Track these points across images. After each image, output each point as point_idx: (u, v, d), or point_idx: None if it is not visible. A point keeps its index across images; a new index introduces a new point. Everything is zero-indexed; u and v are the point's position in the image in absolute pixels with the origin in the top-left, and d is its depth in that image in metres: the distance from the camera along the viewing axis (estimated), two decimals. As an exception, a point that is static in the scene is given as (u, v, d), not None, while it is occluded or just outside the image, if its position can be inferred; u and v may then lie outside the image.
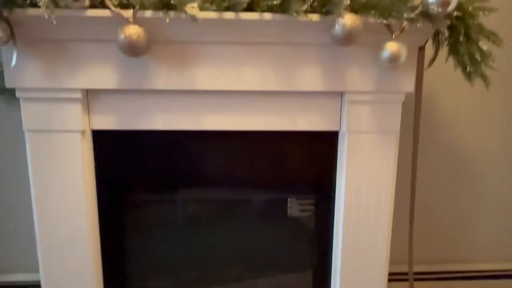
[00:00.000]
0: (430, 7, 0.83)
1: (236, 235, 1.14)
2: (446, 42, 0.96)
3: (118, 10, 0.83)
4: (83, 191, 0.98)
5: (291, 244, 1.15)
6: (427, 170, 1.37)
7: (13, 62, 0.86)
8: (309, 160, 1.06)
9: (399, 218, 1.16)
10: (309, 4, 0.88)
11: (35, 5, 0.82)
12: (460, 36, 0.87)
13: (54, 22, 0.78)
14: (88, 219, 1.00)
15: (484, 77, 0.94)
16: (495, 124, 1.36)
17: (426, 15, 0.85)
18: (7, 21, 0.83)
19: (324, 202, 1.09)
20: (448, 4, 0.83)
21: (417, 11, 0.84)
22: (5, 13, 0.80)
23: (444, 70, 1.00)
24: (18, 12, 0.82)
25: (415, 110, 1.09)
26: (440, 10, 0.83)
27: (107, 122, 0.98)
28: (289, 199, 1.09)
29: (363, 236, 1.06)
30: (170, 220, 1.12)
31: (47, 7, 0.77)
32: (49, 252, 1.00)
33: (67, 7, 0.82)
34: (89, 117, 0.97)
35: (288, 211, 1.10)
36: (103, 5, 0.84)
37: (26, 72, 0.91)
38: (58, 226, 0.99)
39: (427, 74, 1.05)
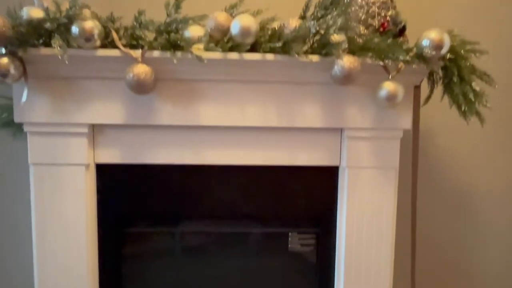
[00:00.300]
0: (424, 50, 0.88)
1: (236, 269, 1.13)
2: (441, 81, 1.01)
3: (127, 50, 0.87)
4: (84, 223, 0.98)
5: (292, 279, 1.14)
6: (427, 204, 1.37)
7: (24, 98, 0.89)
8: (310, 195, 1.07)
9: (401, 252, 1.16)
10: (309, 45, 0.93)
11: (48, 44, 0.86)
12: (454, 77, 0.91)
13: (67, 62, 0.82)
14: (88, 251, 0.99)
15: (478, 115, 0.97)
16: (493, 158, 1.38)
17: (420, 57, 0.89)
18: (21, 60, 0.87)
19: (325, 236, 1.09)
20: (441, 47, 0.87)
21: (412, 54, 0.89)
22: (20, 52, 0.84)
23: (441, 106, 1.03)
24: (31, 51, 0.86)
25: (413, 146, 1.11)
26: (433, 52, 0.87)
27: (111, 155, 1.00)
28: (290, 234, 1.09)
29: (365, 271, 1.05)
30: (171, 253, 1.11)
31: (60, 47, 0.81)
32: (47, 283, 0.99)
33: (79, 47, 0.87)
34: (93, 151, 0.99)
35: (289, 245, 1.10)
36: (113, 45, 0.88)
37: (35, 107, 0.93)
38: (57, 258, 0.98)
39: (425, 111, 1.08)
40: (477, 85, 0.92)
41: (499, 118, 1.33)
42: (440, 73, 0.99)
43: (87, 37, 0.85)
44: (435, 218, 1.39)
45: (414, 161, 1.12)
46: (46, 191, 0.97)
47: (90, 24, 0.84)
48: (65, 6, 0.88)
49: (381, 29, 0.99)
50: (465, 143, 1.34)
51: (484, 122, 0.98)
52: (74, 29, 0.84)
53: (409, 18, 1.00)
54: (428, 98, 1.05)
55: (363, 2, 1.01)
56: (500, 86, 1.01)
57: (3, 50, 0.85)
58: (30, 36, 0.85)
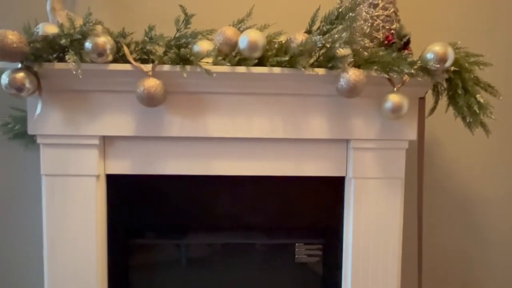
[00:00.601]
0: (428, 63, 0.89)
1: (243, 280, 1.13)
2: (445, 93, 1.02)
3: (138, 64, 0.90)
4: (94, 234, 1.00)
5: (299, 290, 1.14)
6: (433, 214, 1.37)
7: (38, 111, 0.92)
8: (316, 206, 1.08)
9: (407, 262, 1.15)
10: (315, 58, 0.95)
11: (61, 59, 0.89)
12: (458, 89, 0.92)
13: (80, 76, 0.84)
14: (97, 261, 1.01)
15: (483, 126, 0.98)
16: (499, 167, 1.38)
17: (425, 70, 0.91)
18: (35, 74, 0.89)
19: (332, 247, 1.09)
20: (445, 60, 0.89)
21: (416, 66, 0.90)
22: (35, 67, 0.87)
23: (446, 117, 1.04)
24: (46, 66, 0.89)
25: (419, 156, 1.12)
26: (438, 65, 0.89)
27: (121, 166, 1.01)
28: (296, 244, 1.10)
29: (372, 281, 1.05)
30: (178, 264, 1.12)
31: (74, 62, 0.84)
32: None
33: (92, 61, 0.89)
34: (104, 162, 1.01)
35: (296, 256, 1.10)
36: (124, 60, 0.91)
37: (48, 120, 0.96)
38: (67, 267, 1.00)
39: (430, 121, 1.09)
40: (481, 97, 0.93)
41: (504, 128, 1.33)
42: (445, 84, 1.00)
43: (100, 52, 0.87)
44: (441, 227, 1.39)
45: (420, 171, 1.13)
46: (58, 202, 0.99)
47: (103, 40, 0.87)
48: (78, 21, 0.91)
49: (386, 42, 1.01)
50: (470, 152, 1.34)
51: (490, 133, 0.99)
52: (88, 44, 0.87)
53: (413, 31, 1.02)
54: (433, 109, 1.06)
55: (368, 16, 1.02)
56: (506, 96, 1.02)
57: (19, 65, 0.88)
58: (45, 52, 0.88)
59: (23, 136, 1.13)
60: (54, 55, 0.90)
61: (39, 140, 0.98)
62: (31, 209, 1.22)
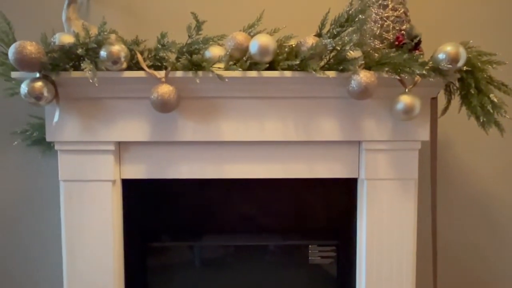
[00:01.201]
0: (440, 63, 0.89)
1: (257, 281, 1.14)
2: (458, 92, 1.01)
3: (152, 71, 0.92)
4: (111, 237, 1.02)
5: (313, 291, 1.14)
6: (447, 214, 1.36)
7: (56, 119, 0.94)
8: (329, 207, 1.09)
9: (422, 263, 1.15)
10: (326, 61, 0.95)
11: (77, 67, 0.92)
12: (471, 89, 0.92)
13: (96, 84, 0.87)
14: (114, 263, 1.03)
15: (498, 125, 0.97)
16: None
17: (437, 70, 0.91)
18: (53, 83, 0.92)
19: (345, 248, 1.10)
20: (457, 60, 0.89)
21: (428, 67, 0.90)
22: (53, 76, 0.89)
23: (459, 116, 1.03)
24: (63, 75, 0.91)
25: (431, 156, 1.11)
26: (450, 66, 0.88)
27: (137, 171, 1.03)
28: (310, 246, 1.10)
29: (387, 283, 1.05)
30: (193, 265, 1.14)
31: (91, 71, 0.86)
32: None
33: (107, 69, 0.91)
34: (120, 167, 1.03)
35: (310, 257, 1.10)
36: (138, 67, 0.93)
37: (65, 127, 0.98)
38: (85, 269, 1.02)
39: (443, 121, 1.09)
40: (495, 96, 0.92)
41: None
42: (457, 84, 1.00)
43: (115, 60, 0.89)
44: (456, 227, 1.38)
45: (433, 171, 1.12)
46: (75, 206, 1.01)
47: (117, 48, 0.89)
48: (93, 30, 0.94)
49: (397, 43, 1.00)
50: (484, 152, 1.33)
51: (504, 132, 0.98)
52: (103, 53, 0.89)
53: (424, 31, 1.01)
54: (446, 109, 1.06)
55: (378, 17, 1.03)
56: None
57: (37, 74, 0.90)
58: (61, 61, 0.90)
59: (40, 142, 1.17)
60: (70, 64, 0.93)
61: (57, 147, 1.00)
62: (48, 214, 1.25)
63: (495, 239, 1.38)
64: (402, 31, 1.01)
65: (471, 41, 0.98)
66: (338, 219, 1.09)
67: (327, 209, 1.10)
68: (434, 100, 1.04)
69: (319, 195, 1.08)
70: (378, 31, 1.02)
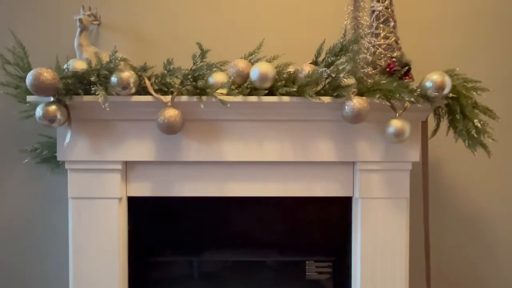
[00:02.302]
0: (427, 91, 0.96)
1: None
2: (446, 116, 1.07)
3: (158, 96, 0.98)
4: (116, 252, 1.06)
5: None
6: (439, 231, 1.39)
7: (67, 140, 1.00)
8: (326, 224, 1.13)
9: (416, 280, 1.18)
10: (321, 86, 1.01)
11: (87, 91, 0.97)
12: (457, 114, 0.98)
13: (108, 109, 0.92)
14: (119, 278, 1.06)
15: (484, 147, 1.03)
16: (503, 185, 1.40)
17: (424, 97, 0.97)
18: (66, 106, 0.98)
19: (342, 264, 1.13)
20: (443, 88, 0.95)
21: (416, 94, 0.96)
22: (67, 101, 0.95)
23: (449, 137, 1.07)
24: (76, 99, 0.97)
25: (423, 176, 1.16)
26: (436, 93, 0.95)
27: (142, 189, 1.08)
28: (307, 262, 1.14)
29: (381, 298, 1.09)
30: (194, 279, 1.17)
31: (103, 96, 0.91)
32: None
33: (117, 94, 0.97)
34: (126, 185, 1.08)
35: (307, 273, 1.14)
36: (146, 91, 0.99)
37: (75, 147, 1.04)
38: (92, 282, 1.06)
39: (433, 141, 1.14)
40: (479, 121, 0.98)
41: (507, 145, 1.36)
42: (445, 108, 1.06)
43: (124, 85, 0.95)
44: (448, 244, 1.40)
45: (425, 190, 1.17)
46: (83, 222, 1.06)
47: (127, 74, 0.96)
48: (104, 56, 1.00)
49: (388, 69, 1.07)
50: (474, 171, 1.37)
51: (491, 154, 1.03)
52: (113, 79, 0.95)
53: (414, 58, 1.07)
54: (435, 131, 1.11)
55: (370, 45, 1.09)
56: (508, 116, 1.05)
57: (51, 99, 0.96)
58: (75, 86, 0.96)
59: (49, 160, 1.21)
60: (82, 88, 0.98)
61: (67, 166, 1.05)
62: (55, 229, 1.28)
63: (486, 255, 1.41)
64: (393, 58, 1.08)
65: (457, 68, 1.04)
66: (334, 235, 1.14)
67: (323, 226, 1.14)
68: (424, 123, 1.10)
69: (315, 213, 1.13)
70: (371, 58, 1.09)
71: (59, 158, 1.04)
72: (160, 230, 1.13)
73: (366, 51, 1.10)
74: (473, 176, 1.39)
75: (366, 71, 1.08)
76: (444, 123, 1.09)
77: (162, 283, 1.16)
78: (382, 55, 1.09)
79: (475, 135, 0.95)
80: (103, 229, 1.06)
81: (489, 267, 1.42)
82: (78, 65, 0.99)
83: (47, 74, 0.91)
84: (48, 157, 1.21)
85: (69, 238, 1.06)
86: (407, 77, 1.06)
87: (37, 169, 1.26)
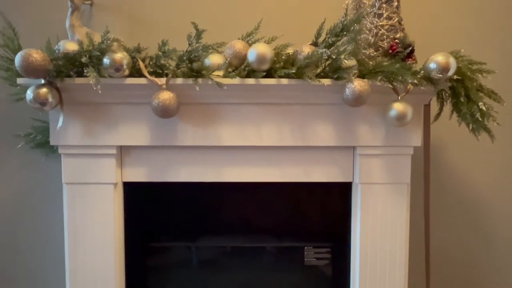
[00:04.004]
0: (431, 72, 0.92)
1: (253, 282, 1.16)
2: (450, 99, 1.04)
3: (153, 78, 0.95)
4: (112, 238, 1.05)
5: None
6: (440, 218, 1.38)
7: (60, 124, 0.97)
8: (325, 210, 1.11)
9: (415, 265, 1.17)
10: (321, 69, 0.98)
11: (80, 73, 0.94)
12: (461, 97, 0.94)
13: (100, 92, 0.90)
14: (115, 263, 1.05)
15: (488, 131, 1.00)
16: (506, 171, 1.39)
17: (428, 79, 0.94)
18: (57, 89, 0.95)
19: (340, 250, 1.12)
20: (448, 69, 0.92)
21: (419, 76, 0.93)
22: (58, 83, 0.92)
23: (451, 122, 1.05)
24: (67, 81, 0.94)
25: (425, 161, 1.14)
26: (440, 75, 0.91)
27: (138, 174, 1.06)
28: (305, 248, 1.13)
29: (380, 284, 1.08)
30: (191, 266, 1.16)
31: (94, 78, 0.89)
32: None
33: (109, 76, 0.94)
34: (121, 170, 1.06)
35: (305, 259, 1.13)
36: (140, 73, 0.96)
37: (68, 131, 1.01)
38: (87, 269, 1.05)
39: (436, 126, 1.11)
40: (483, 104, 0.95)
41: (510, 131, 1.33)
42: (449, 91, 1.03)
43: (117, 67, 0.92)
44: (448, 231, 1.39)
45: (426, 176, 1.15)
46: (78, 208, 1.04)
47: (120, 56, 0.92)
48: (96, 38, 0.96)
49: (391, 51, 1.03)
50: (476, 156, 1.35)
51: (494, 138, 1.01)
52: (106, 60, 0.92)
53: (417, 39, 1.04)
54: (438, 115, 1.09)
55: (372, 26, 1.06)
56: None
57: (42, 81, 0.93)
58: (66, 68, 0.93)
59: (43, 145, 1.19)
60: (74, 70, 0.95)
61: (60, 151, 1.03)
62: (50, 215, 1.27)
63: (487, 242, 1.40)
64: (396, 40, 1.04)
65: (462, 50, 1.01)
66: (333, 221, 1.12)
67: (322, 212, 1.13)
68: (427, 106, 1.07)
69: (314, 199, 1.11)
70: (373, 40, 1.05)
71: (52, 143, 1.02)
72: (157, 216, 1.12)
73: (368, 32, 1.06)
74: (475, 161, 1.36)
75: (367, 52, 1.04)
76: (447, 107, 1.06)
77: (159, 269, 1.15)
78: (385, 37, 1.05)
79: (480, 119, 0.92)
80: (99, 215, 1.05)
81: (488, 254, 1.41)
82: (69, 46, 0.96)
83: (37, 55, 0.88)
84: (43, 142, 1.19)
85: (64, 224, 1.05)
86: (410, 59, 1.02)
87: (32, 154, 1.25)
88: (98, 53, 0.92)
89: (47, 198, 1.27)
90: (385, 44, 1.05)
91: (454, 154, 1.35)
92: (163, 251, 1.16)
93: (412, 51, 1.03)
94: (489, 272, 1.41)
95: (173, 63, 0.98)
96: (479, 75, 0.97)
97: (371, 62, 1.00)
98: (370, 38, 1.06)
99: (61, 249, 1.07)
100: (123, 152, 1.06)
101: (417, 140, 1.04)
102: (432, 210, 1.18)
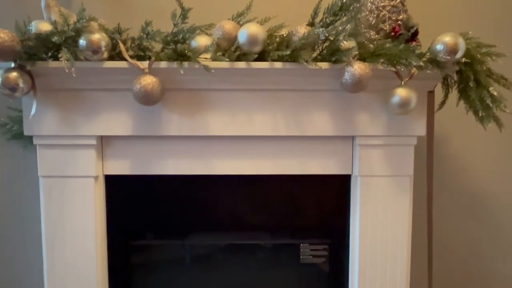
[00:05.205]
0: (438, 54, 0.85)
1: (246, 281, 1.10)
2: (456, 86, 0.97)
3: (134, 61, 0.87)
4: (93, 235, 0.98)
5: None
6: (443, 212, 1.34)
7: (33, 111, 0.89)
8: (321, 205, 1.05)
9: (417, 261, 1.12)
10: (318, 52, 0.91)
11: (56, 57, 0.86)
12: (470, 82, 0.88)
13: (74, 75, 0.82)
14: (97, 263, 0.99)
15: (497, 120, 0.93)
16: (511, 161, 1.34)
17: (434, 62, 0.86)
18: (29, 73, 0.87)
19: (338, 247, 1.06)
20: (456, 51, 0.84)
21: (425, 59, 0.86)
22: (29, 66, 0.84)
23: (456, 111, 1.00)
24: (40, 65, 0.86)
25: (428, 152, 1.08)
26: (448, 57, 0.84)
27: (120, 167, 0.99)
28: (301, 245, 1.07)
29: (380, 282, 1.02)
30: (179, 265, 1.10)
31: (67, 60, 0.81)
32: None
33: (86, 59, 0.86)
34: (102, 163, 0.99)
35: (301, 257, 1.07)
36: (121, 57, 0.88)
37: (43, 120, 0.94)
38: (67, 269, 0.98)
39: (439, 116, 1.05)
40: (494, 89, 0.89)
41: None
42: (455, 77, 0.96)
43: (94, 49, 0.84)
44: (452, 226, 1.35)
45: (429, 168, 1.09)
46: (56, 204, 0.97)
47: (97, 37, 0.84)
48: (73, 18, 0.88)
49: (393, 34, 0.96)
50: (481, 148, 1.30)
51: (503, 127, 0.94)
52: (82, 42, 0.84)
53: (422, 22, 0.97)
54: (443, 103, 1.02)
55: (373, 7, 0.98)
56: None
57: (12, 64, 0.85)
58: (38, 50, 0.85)
59: (21, 136, 1.12)
60: (49, 54, 0.88)
61: (35, 141, 0.95)
62: (31, 210, 1.21)
63: (491, 236, 1.36)
64: (399, 22, 0.97)
65: (470, 32, 0.94)
66: (330, 217, 1.06)
67: (319, 206, 1.06)
68: (431, 93, 1.00)
69: (310, 192, 1.05)
70: (374, 21, 0.98)
71: (26, 133, 0.94)
72: (143, 211, 1.04)
73: (368, 13, 0.99)
74: (480, 153, 1.32)
75: (368, 35, 0.97)
76: (452, 94, 0.99)
77: (145, 268, 1.08)
78: (387, 18, 0.98)
79: (490, 105, 0.85)
80: (78, 210, 0.97)
81: (493, 248, 1.37)
82: (42, 26, 0.88)
83: (4, 35, 0.80)
84: (20, 132, 1.10)
85: (41, 219, 0.98)
86: (413, 42, 0.95)
87: (9, 146, 1.17)
88: (73, 34, 0.84)
89: (26, 193, 1.20)
90: (387, 26, 0.98)
91: (458, 145, 1.30)
92: (149, 249, 1.09)
93: (416, 33, 0.96)
94: (494, 267, 1.37)
95: (157, 46, 0.90)
96: (489, 58, 0.90)
97: (371, 45, 0.93)
98: (370, 19, 0.98)
99: (41, 245, 1.00)
100: (104, 143, 0.98)
101: (421, 129, 0.98)
102: (435, 203, 1.12)
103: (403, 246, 1.01)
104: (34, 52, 0.85)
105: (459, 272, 1.37)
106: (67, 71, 0.81)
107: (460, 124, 1.27)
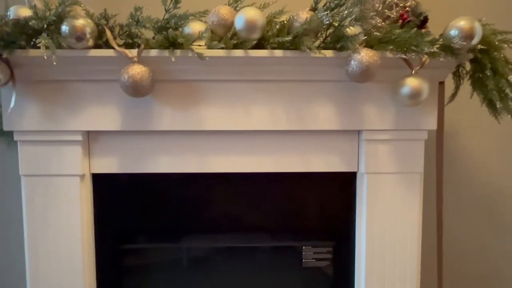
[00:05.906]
0: (452, 40, 0.79)
1: (245, 286, 1.04)
2: (468, 76, 0.92)
3: (122, 49, 0.80)
4: (79, 238, 0.92)
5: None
6: (453, 210, 1.29)
7: (12, 104, 0.83)
8: (325, 204, 1.00)
9: (426, 262, 1.06)
10: (322, 39, 0.85)
11: (37, 46, 0.80)
12: (487, 71, 0.81)
13: (54, 63, 0.75)
14: (83, 266, 0.92)
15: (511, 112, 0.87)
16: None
17: (448, 48, 0.80)
18: (7, 63, 0.80)
19: (343, 249, 1.01)
20: (472, 36, 0.78)
21: (438, 45, 0.79)
22: (5, 54, 0.78)
23: (466, 104, 0.94)
24: (18, 53, 0.80)
25: (437, 148, 1.02)
26: (463, 43, 0.78)
27: (108, 165, 0.93)
28: (304, 247, 1.01)
29: (388, 286, 0.96)
30: (174, 269, 1.04)
31: (47, 47, 0.74)
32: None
33: (69, 47, 0.80)
34: (89, 160, 0.92)
35: (303, 260, 1.02)
36: (108, 45, 0.82)
37: (24, 114, 0.87)
38: (51, 274, 0.92)
39: (449, 109, 0.99)
40: (513, 78, 0.83)
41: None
42: (467, 68, 0.90)
43: (78, 36, 0.78)
44: (462, 224, 1.31)
45: (439, 164, 1.03)
46: (39, 204, 0.90)
47: (82, 22, 0.78)
48: (54, 3, 0.82)
49: (400, 21, 0.91)
50: (493, 143, 1.25)
51: (519, 120, 0.88)
52: (64, 28, 0.78)
53: (432, 8, 0.91)
54: (454, 95, 0.97)
55: (380, -8, 0.92)
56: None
57: (-12, 53, 0.78)
58: (16, 37, 0.79)
59: (3, 133, 1.04)
60: (31, 42, 0.81)
61: (16, 137, 0.89)
62: (15, 211, 1.14)
63: (503, 236, 1.32)
64: (407, 8, 0.91)
65: (484, 18, 0.88)
66: (335, 217, 1.00)
67: (322, 206, 1.00)
68: (441, 85, 0.94)
69: (313, 191, 0.99)
70: (380, 8, 0.92)
71: (5, 128, 0.88)
72: (133, 212, 0.98)
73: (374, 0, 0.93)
74: (492, 149, 1.27)
75: (374, 22, 0.91)
76: (464, 86, 0.94)
77: (136, 274, 1.02)
78: (394, 5, 0.92)
79: (510, 94, 0.79)
80: (63, 211, 0.91)
81: (504, 248, 1.33)
82: (22, 12, 0.81)
83: (-23, 20, 0.73)
84: (1, 129, 1.04)
85: (23, 221, 0.91)
86: (423, 29, 0.89)
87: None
88: (54, 19, 0.78)
89: (10, 193, 1.14)
90: (394, 13, 0.92)
91: (468, 140, 1.25)
92: (140, 254, 1.03)
93: (426, 20, 0.90)
94: (505, 265, 1.33)
95: (148, 34, 0.84)
96: (505, 45, 0.84)
97: (378, 33, 0.86)
98: (377, 5, 0.92)
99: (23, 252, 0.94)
100: (90, 139, 0.92)
101: (432, 122, 0.92)
102: (445, 201, 1.06)
103: (413, 249, 0.96)
104: (12, 39, 0.79)
105: (469, 273, 1.32)
106: (46, 58, 0.74)
107: (471, 117, 1.22)
